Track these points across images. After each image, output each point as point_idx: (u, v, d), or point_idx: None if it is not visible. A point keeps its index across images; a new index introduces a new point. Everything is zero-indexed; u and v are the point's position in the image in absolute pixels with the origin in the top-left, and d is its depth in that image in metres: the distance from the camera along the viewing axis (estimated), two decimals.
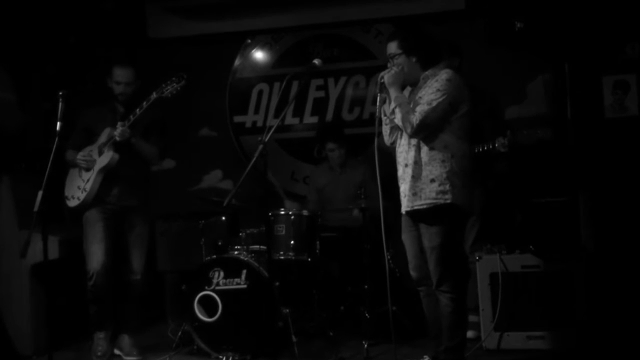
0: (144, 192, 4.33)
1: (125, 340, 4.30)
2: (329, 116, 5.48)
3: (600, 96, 4.71)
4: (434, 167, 3.34)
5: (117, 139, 4.04)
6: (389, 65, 3.49)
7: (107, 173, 4.14)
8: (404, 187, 3.46)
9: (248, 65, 5.68)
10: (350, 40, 5.45)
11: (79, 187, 4.18)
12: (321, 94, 5.51)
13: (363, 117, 5.43)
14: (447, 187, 3.32)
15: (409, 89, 3.55)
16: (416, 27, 3.70)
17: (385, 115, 3.55)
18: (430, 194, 3.34)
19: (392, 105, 3.40)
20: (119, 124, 4.05)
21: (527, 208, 4.53)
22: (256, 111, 5.64)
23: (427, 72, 3.44)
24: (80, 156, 4.17)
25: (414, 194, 3.39)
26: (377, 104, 3.49)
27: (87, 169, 4.17)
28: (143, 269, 4.27)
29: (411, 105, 3.38)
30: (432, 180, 3.34)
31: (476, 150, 4.06)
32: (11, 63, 4.95)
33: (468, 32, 4.88)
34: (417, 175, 3.38)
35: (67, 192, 4.27)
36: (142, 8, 5.62)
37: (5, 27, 4.96)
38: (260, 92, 5.62)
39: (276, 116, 5.44)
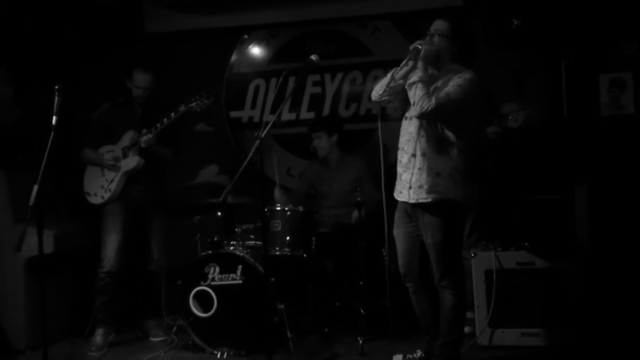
0: (162, 187, 4.59)
1: (150, 323, 4.57)
2: (326, 112, 5.48)
3: (596, 94, 4.72)
4: (441, 162, 3.34)
5: (143, 146, 4.28)
6: (428, 37, 3.40)
7: (131, 174, 4.37)
8: (407, 177, 3.43)
9: (245, 61, 5.67)
10: (347, 36, 5.44)
11: (103, 187, 4.40)
12: (318, 89, 5.50)
13: (360, 113, 5.42)
14: (451, 182, 3.34)
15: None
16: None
17: (394, 77, 3.43)
18: (436, 188, 3.34)
19: (415, 78, 3.30)
20: (144, 131, 4.28)
21: (523, 205, 4.54)
22: (253, 107, 5.62)
23: (452, 66, 3.41)
24: (107, 158, 4.38)
25: (420, 186, 3.37)
26: (402, 64, 3.37)
27: (111, 169, 4.38)
28: (161, 258, 4.52)
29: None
30: (438, 175, 3.34)
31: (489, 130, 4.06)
32: (7, 57, 4.93)
33: None
34: (424, 168, 3.36)
35: (89, 189, 4.47)
36: (139, 2, 5.61)
37: (1, 21, 4.94)
38: (257, 88, 5.61)
39: (273, 112, 5.44)
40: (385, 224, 3.55)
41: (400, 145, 3.51)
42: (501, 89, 4.87)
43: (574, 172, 4.65)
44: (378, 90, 3.52)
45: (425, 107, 3.23)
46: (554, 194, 4.49)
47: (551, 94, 4.88)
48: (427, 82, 3.31)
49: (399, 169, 3.50)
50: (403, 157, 3.48)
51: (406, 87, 3.36)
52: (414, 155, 3.41)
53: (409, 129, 3.47)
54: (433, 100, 3.23)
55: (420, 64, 3.33)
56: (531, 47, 4.79)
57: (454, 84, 3.30)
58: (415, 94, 3.28)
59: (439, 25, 3.44)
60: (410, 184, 3.41)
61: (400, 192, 3.49)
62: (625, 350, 3.83)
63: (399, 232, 3.59)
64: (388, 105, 3.55)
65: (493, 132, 4.10)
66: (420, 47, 3.32)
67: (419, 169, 3.38)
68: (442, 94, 3.27)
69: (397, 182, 3.53)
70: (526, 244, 4.09)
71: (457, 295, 3.43)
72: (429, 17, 4.97)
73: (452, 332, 3.47)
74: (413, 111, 3.33)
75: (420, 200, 3.38)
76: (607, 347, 3.87)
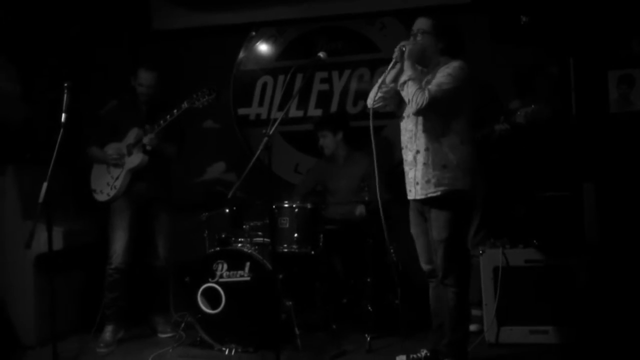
0: (167, 184, 4.59)
1: (158, 319, 4.58)
2: (334, 109, 5.47)
3: (605, 91, 4.70)
4: (446, 154, 3.35)
5: (147, 148, 4.30)
6: (412, 37, 3.44)
7: (135, 171, 4.39)
8: (414, 174, 3.44)
9: (252, 58, 5.67)
10: (354, 33, 5.43)
11: (108, 184, 4.43)
12: (325, 86, 5.50)
13: (367, 110, 5.40)
14: (459, 173, 3.35)
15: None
16: (453, 19, 3.69)
17: (384, 83, 3.48)
18: (443, 181, 3.35)
19: (405, 77, 3.33)
20: (147, 127, 4.29)
21: (531, 202, 4.53)
22: (260, 104, 5.63)
23: (440, 59, 3.43)
24: (111, 155, 4.39)
25: (427, 181, 3.38)
26: (389, 67, 3.42)
27: (116, 166, 4.39)
28: (168, 255, 4.54)
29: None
30: (444, 167, 3.35)
31: (478, 136, 4.06)
32: (16, 54, 4.95)
33: (473, 26, 4.86)
34: (429, 162, 3.37)
35: (95, 186, 4.50)
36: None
37: (11, 19, 4.95)
38: (265, 85, 5.61)
39: (280, 109, 5.44)
40: (383, 222, 3.51)
41: (403, 144, 3.53)
42: (508, 86, 4.86)
43: (583, 169, 4.64)
44: (372, 97, 3.55)
45: (420, 102, 3.25)
46: (562, 191, 4.48)
47: (560, 91, 4.87)
48: (418, 79, 3.33)
49: (405, 168, 3.52)
50: (407, 156, 3.49)
51: (398, 88, 3.41)
52: (418, 152, 3.42)
53: (408, 127, 3.49)
54: (426, 93, 3.25)
55: (406, 63, 3.36)
56: (539, 44, 4.76)
57: (443, 74, 3.32)
58: (408, 92, 3.31)
59: (420, 23, 3.46)
60: (416, 180, 3.42)
61: (410, 190, 3.50)
62: (634, 348, 3.82)
63: (417, 231, 3.60)
64: (385, 109, 3.60)
65: (501, 129, 4.09)
66: (403, 48, 3.36)
67: (424, 164, 3.38)
68: (433, 86, 3.28)
69: (406, 181, 3.54)
70: (534, 241, 4.08)
71: (460, 294, 3.42)
72: (436, 13, 5.00)
73: (457, 331, 3.46)
74: (409, 109, 3.36)
75: (430, 195, 3.38)
76: (616, 345, 3.86)
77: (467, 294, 3.50)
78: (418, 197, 3.43)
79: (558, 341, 3.94)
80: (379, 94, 3.52)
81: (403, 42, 3.40)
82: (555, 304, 3.96)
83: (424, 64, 3.46)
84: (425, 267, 3.61)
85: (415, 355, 3.66)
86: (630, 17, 4.61)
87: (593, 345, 3.85)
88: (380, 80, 3.50)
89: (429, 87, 3.28)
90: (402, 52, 3.36)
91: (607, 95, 4.70)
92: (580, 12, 4.61)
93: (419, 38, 3.43)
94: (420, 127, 3.40)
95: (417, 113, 3.33)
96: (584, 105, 4.75)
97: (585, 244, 4.33)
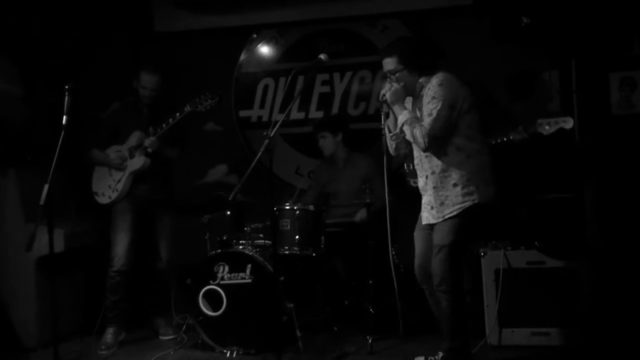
0: (169, 186, 4.59)
1: (160, 322, 4.59)
2: (335, 111, 5.47)
3: (607, 93, 4.69)
4: (454, 172, 3.34)
5: (149, 150, 4.31)
6: (388, 81, 3.48)
7: (138, 174, 4.39)
8: (428, 199, 3.45)
9: (254, 60, 5.67)
10: (356, 35, 5.43)
11: (110, 187, 4.43)
12: (327, 89, 5.50)
13: (368, 112, 5.41)
14: (472, 188, 3.33)
15: (409, 99, 3.55)
16: (412, 38, 3.70)
17: (390, 131, 3.57)
18: (457, 199, 3.33)
19: (399, 123, 3.40)
20: (150, 131, 4.29)
21: (533, 204, 4.52)
22: (262, 106, 5.63)
23: (421, 80, 3.44)
24: (113, 158, 4.40)
25: (442, 203, 3.38)
26: (382, 119, 3.55)
27: (118, 169, 4.40)
28: (170, 258, 4.53)
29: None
30: (455, 185, 3.34)
31: (493, 142, 4.05)
32: (17, 56, 4.96)
33: (474, 27, 4.86)
34: (439, 185, 3.38)
35: (97, 189, 4.51)
36: (149, 2, 5.62)
37: (12, 21, 4.96)
38: (266, 87, 5.61)
39: (281, 111, 5.44)
40: (388, 224, 3.52)
41: (415, 168, 3.57)
42: (509, 88, 4.85)
43: (584, 171, 4.63)
44: (391, 147, 3.65)
45: (422, 145, 3.31)
46: (564, 193, 4.47)
47: (561, 93, 4.86)
48: (411, 118, 3.37)
49: (422, 192, 3.53)
50: (419, 181, 3.53)
51: (401, 135, 3.49)
52: (427, 177, 3.45)
53: (415, 153, 3.55)
54: (423, 131, 3.28)
55: (394, 110, 3.43)
56: (541, 46, 4.76)
57: (428, 99, 3.34)
58: (409, 136, 3.38)
59: (387, 65, 3.48)
60: (431, 204, 3.43)
61: (425, 214, 3.50)
62: (636, 350, 3.81)
63: (419, 235, 3.60)
64: (407, 150, 3.66)
65: (520, 139, 4.05)
66: (384, 98, 3.43)
67: (434, 187, 3.40)
68: (425, 118, 3.30)
69: (422, 206, 3.54)
70: (536, 243, 4.07)
71: (454, 301, 3.39)
72: (438, 15, 5.03)
73: (455, 339, 3.44)
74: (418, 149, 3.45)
75: (447, 216, 3.37)
76: (619, 347, 3.85)
77: (463, 300, 3.46)
78: (436, 221, 3.41)
79: (560, 343, 3.93)
80: (394, 144, 3.61)
81: (383, 91, 3.45)
82: (557, 306, 3.96)
83: (411, 94, 3.52)
84: (416, 270, 3.60)
85: (433, 358, 3.63)
86: (633, 18, 4.60)
87: (595, 347, 3.84)
88: (386, 132, 3.60)
89: (422, 123, 3.31)
90: (385, 102, 3.43)
91: (609, 97, 4.69)
92: (582, 14, 4.60)
93: (394, 79, 3.45)
94: (422, 152, 3.43)
95: (427, 150, 3.38)
96: (586, 107, 4.74)
97: (586, 246, 4.32)
